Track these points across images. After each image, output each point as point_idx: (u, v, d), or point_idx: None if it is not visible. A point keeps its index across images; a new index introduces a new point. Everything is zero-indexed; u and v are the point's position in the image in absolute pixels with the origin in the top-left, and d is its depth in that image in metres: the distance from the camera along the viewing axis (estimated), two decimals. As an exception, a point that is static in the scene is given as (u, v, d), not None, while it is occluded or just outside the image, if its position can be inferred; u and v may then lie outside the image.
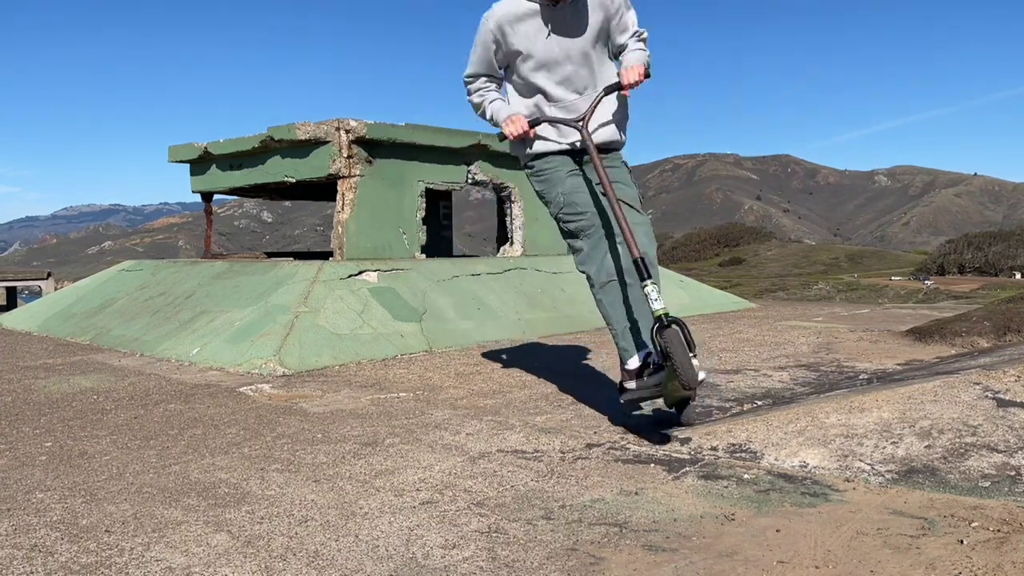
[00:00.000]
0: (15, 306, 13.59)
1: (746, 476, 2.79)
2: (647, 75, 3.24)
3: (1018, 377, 3.44)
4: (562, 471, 2.89)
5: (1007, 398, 3.27)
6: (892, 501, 2.50)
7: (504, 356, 5.47)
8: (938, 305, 10.90)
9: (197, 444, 3.33)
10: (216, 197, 9.17)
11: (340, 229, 7.21)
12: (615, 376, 4.69)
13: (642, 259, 3.04)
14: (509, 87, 3.56)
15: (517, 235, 8.69)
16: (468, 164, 8.18)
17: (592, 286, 3.37)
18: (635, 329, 3.23)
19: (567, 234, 3.45)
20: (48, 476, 2.91)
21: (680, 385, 2.88)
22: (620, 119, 3.46)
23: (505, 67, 3.51)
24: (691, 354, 2.87)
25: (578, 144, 3.36)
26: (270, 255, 9.56)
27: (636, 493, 2.64)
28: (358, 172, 7.19)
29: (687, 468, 2.90)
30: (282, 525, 2.40)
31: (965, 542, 2.15)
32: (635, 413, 3.72)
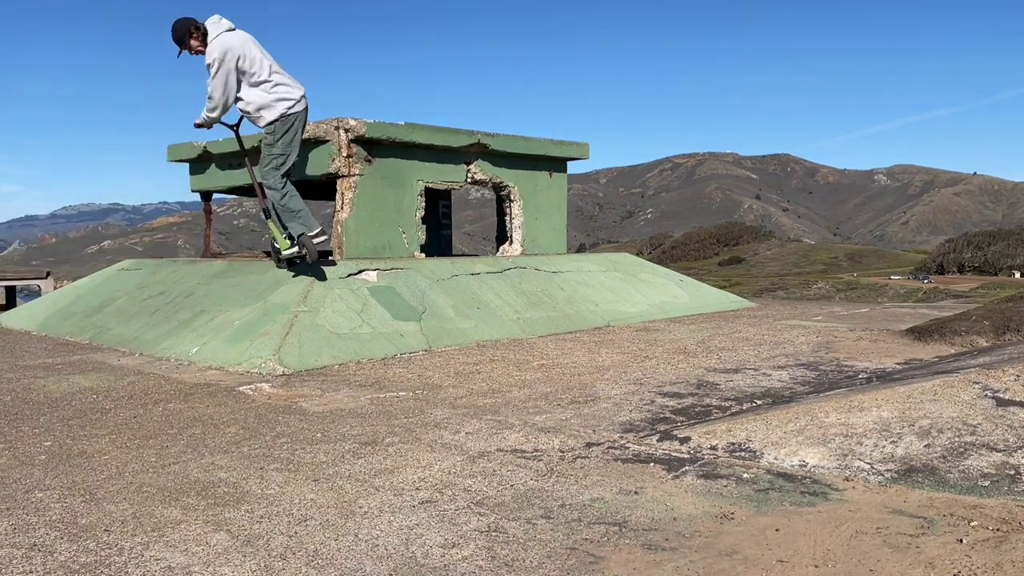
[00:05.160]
0: (14, 305, 13.58)
1: (745, 475, 2.79)
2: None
3: (1017, 376, 3.44)
4: (561, 470, 2.89)
5: (1006, 397, 3.27)
6: (891, 500, 2.51)
7: (503, 355, 5.47)
8: (937, 304, 10.92)
9: (196, 443, 3.33)
10: (215, 196, 9.18)
11: (339, 228, 7.21)
12: (615, 375, 4.70)
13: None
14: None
15: (516, 234, 8.69)
16: (467, 163, 8.18)
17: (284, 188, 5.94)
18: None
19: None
20: (47, 475, 2.91)
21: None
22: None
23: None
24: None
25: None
26: (269, 254, 9.55)
27: (635, 492, 2.64)
28: (357, 171, 7.19)
29: (687, 467, 2.90)
30: (281, 524, 2.40)
31: (964, 541, 2.15)
32: (630, 412, 3.73)
